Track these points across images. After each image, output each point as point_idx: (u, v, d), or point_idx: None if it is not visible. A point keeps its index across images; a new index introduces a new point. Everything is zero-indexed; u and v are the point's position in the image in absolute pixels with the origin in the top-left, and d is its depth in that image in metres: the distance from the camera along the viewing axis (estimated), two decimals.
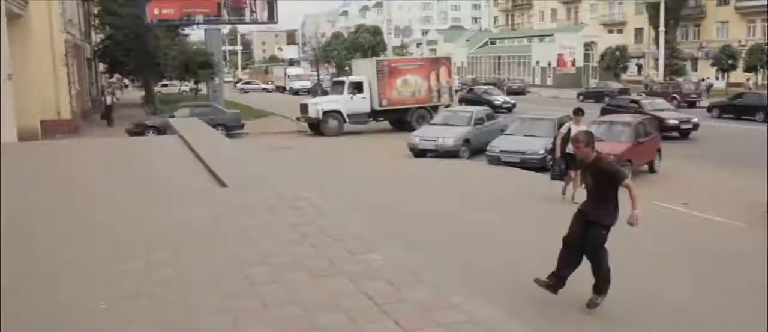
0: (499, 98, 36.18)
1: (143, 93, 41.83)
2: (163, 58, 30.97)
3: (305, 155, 19.43)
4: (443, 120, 20.23)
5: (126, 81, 53.84)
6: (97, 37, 39.21)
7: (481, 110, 21.06)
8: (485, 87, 42.14)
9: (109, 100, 30.48)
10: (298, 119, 26.22)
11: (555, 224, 6.55)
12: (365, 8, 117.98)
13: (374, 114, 25.76)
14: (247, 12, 32.30)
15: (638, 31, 61.14)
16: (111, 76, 44.08)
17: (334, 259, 4.01)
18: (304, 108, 25.63)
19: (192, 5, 31.12)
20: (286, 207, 5.43)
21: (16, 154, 9.75)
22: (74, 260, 4.19)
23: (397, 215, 9.33)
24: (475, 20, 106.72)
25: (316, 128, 25.25)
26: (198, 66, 28.39)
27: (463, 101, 34.60)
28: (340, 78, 27.36)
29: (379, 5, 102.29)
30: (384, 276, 3.70)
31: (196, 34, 43.96)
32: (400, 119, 25.88)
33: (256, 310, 3.29)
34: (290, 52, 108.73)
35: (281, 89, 61.92)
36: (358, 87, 25.39)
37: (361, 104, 25.28)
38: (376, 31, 48.13)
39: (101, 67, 41.88)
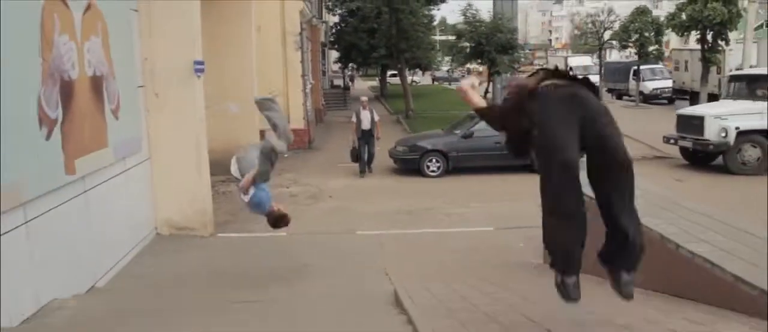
0: None
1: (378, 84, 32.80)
2: (426, 39, 21.58)
3: None
4: None
5: (353, 73, 46.25)
6: (331, 19, 31.68)
7: None
8: None
9: (367, 120, 14.00)
10: (668, 141, 15.13)
11: None
12: None
13: None
14: None
15: None
16: (345, 67, 35.95)
17: None
18: (689, 124, 14.45)
19: None
20: None
21: None
22: None
23: None
24: None
25: (692, 156, 14.32)
26: (497, 49, 18.33)
27: None
28: (754, 71, 16.05)
29: None
30: None
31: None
32: None
33: None
34: None
35: None
36: None
37: None
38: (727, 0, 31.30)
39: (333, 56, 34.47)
